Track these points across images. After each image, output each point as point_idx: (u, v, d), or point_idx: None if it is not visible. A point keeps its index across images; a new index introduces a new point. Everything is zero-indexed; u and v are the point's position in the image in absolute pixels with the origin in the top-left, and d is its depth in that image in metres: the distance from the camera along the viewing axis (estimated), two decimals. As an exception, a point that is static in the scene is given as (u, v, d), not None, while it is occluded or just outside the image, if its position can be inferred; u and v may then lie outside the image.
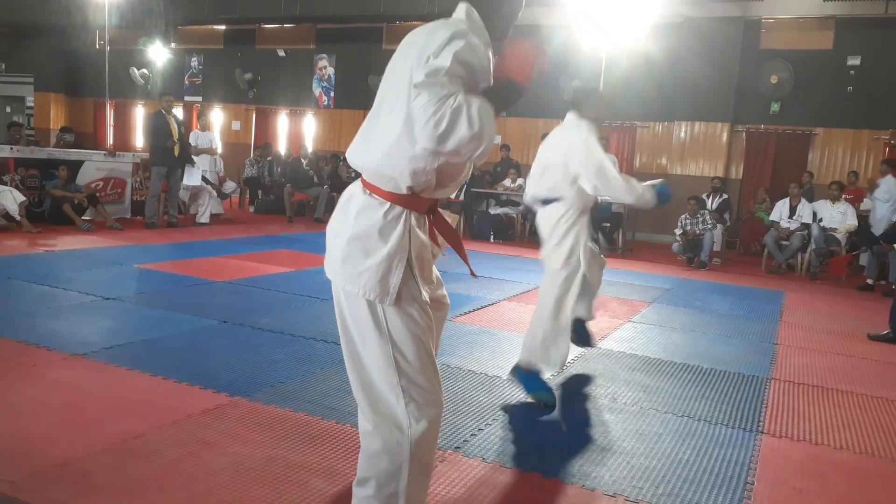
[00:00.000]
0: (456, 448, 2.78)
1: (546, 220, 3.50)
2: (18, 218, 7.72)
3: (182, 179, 9.38)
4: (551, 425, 3.12)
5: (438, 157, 1.72)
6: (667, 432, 3.13)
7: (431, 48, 1.67)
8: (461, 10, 1.84)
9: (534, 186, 3.59)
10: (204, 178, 10.56)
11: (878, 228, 8.76)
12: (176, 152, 9.01)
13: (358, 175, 1.88)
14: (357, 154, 1.86)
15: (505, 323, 5.03)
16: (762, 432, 3.22)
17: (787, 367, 4.42)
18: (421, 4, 12.28)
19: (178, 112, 16.00)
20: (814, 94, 10.99)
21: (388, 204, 1.79)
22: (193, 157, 10.63)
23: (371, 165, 1.80)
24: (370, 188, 1.82)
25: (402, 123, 1.69)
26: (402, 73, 1.70)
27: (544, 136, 3.90)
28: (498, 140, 12.94)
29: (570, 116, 3.54)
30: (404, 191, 1.78)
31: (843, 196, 9.06)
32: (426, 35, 1.73)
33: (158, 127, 8.95)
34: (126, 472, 2.42)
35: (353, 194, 1.87)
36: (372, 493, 1.85)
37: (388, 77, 1.79)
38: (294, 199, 11.27)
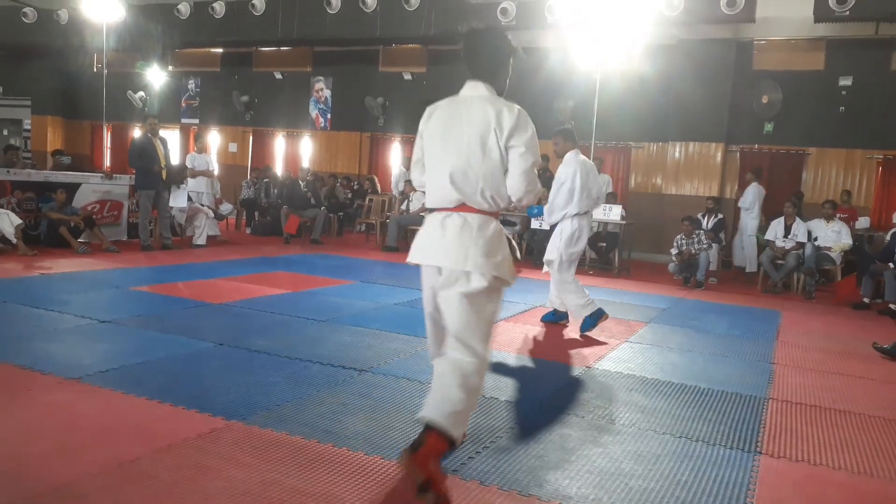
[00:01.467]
0: (454, 471, 2.77)
1: None
2: (14, 241, 7.71)
3: (169, 202, 9.37)
4: (549, 447, 3.10)
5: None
6: (665, 453, 3.12)
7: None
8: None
9: None
10: (198, 200, 10.59)
11: (744, 238, 9.22)
12: (163, 175, 9.02)
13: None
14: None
15: (502, 344, 5.02)
16: (760, 453, 3.21)
17: (784, 386, 4.42)
18: (416, 27, 12.41)
19: (174, 134, 16.15)
20: (806, 114, 11.10)
21: (494, 219, 2.71)
22: (190, 178, 10.68)
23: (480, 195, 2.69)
24: (477, 211, 2.66)
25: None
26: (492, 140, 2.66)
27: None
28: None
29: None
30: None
31: (837, 215, 9.15)
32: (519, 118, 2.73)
33: (144, 150, 8.91)
34: (121, 496, 2.40)
35: (463, 217, 2.64)
36: (465, 397, 2.56)
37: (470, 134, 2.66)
38: (289, 220, 11.28)
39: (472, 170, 2.62)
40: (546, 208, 5.63)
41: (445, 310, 2.65)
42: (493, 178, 2.64)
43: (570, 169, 5.45)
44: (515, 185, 2.65)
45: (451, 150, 2.66)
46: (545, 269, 5.75)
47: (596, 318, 5.50)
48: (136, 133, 16.90)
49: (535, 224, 9.45)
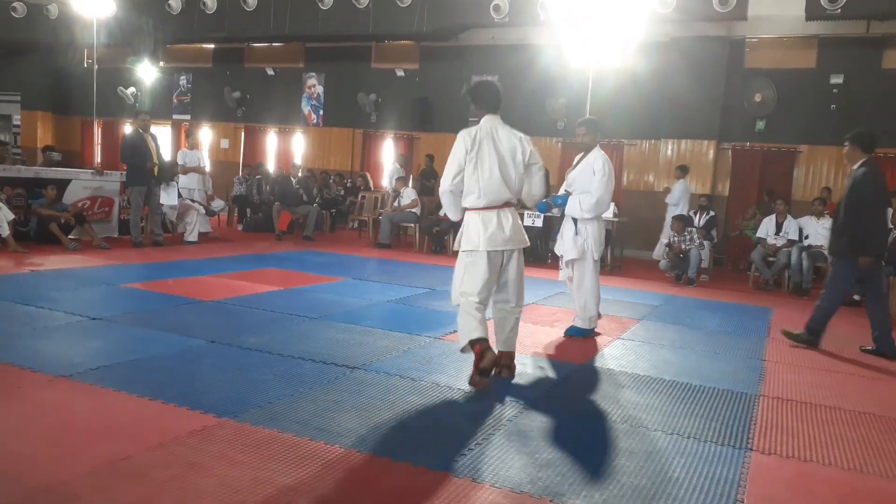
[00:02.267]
0: (446, 468, 2.77)
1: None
2: (4, 235, 7.65)
3: (160, 198, 9.33)
4: (541, 445, 3.11)
5: None
6: (657, 450, 3.13)
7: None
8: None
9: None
10: (189, 197, 10.54)
11: (666, 233, 9.44)
12: (155, 172, 8.97)
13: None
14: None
15: (494, 340, 5.01)
16: (751, 449, 3.23)
17: (775, 383, 4.44)
18: (409, 24, 12.37)
19: (166, 130, 16.07)
20: (798, 111, 11.13)
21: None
22: (182, 175, 10.62)
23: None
24: (513, 206, 4.05)
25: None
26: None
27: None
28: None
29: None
30: None
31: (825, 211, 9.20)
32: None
33: (136, 146, 8.85)
34: (113, 494, 2.39)
35: (509, 211, 4.00)
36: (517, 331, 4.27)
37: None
38: (281, 217, 11.24)
39: (511, 178, 3.95)
40: (592, 203, 5.10)
41: (512, 275, 4.03)
42: (520, 183, 4.04)
43: (604, 161, 5.14)
44: (538, 189, 4.16)
45: (498, 165, 3.90)
46: (563, 275, 5.53)
47: (587, 334, 5.38)
48: (128, 129, 16.89)
49: (528, 221, 9.44)
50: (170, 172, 9.66)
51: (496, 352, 3.93)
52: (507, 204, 3.95)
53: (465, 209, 4.01)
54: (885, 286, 6.17)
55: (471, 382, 3.84)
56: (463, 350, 3.93)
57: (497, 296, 4.09)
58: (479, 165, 3.88)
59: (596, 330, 5.49)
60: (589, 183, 5.15)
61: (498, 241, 3.89)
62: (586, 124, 5.37)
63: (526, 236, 4.05)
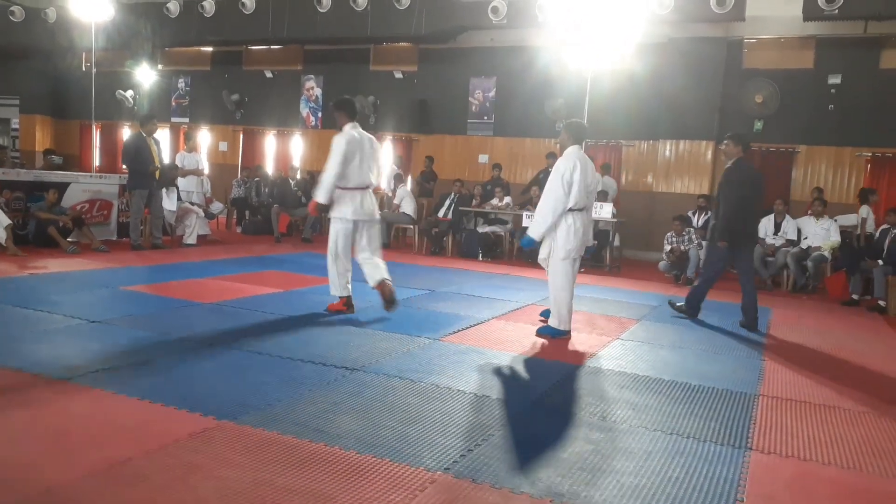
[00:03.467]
0: (445, 469, 2.77)
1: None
2: (3, 241, 7.65)
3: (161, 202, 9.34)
4: (541, 445, 3.11)
5: None
6: (656, 450, 3.14)
7: None
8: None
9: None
10: (188, 200, 10.55)
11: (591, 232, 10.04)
12: (157, 176, 8.98)
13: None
14: None
15: (494, 342, 5.03)
16: (751, 449, 3.23)
17: (774, 382, 4.44)
18: (407, 26, 12.39)
19: (165, 133, 16.06)
20: (796, 112, 11.16)
21: None
22: (180, 178, 10.63)
23: None
24: None
25: None
26: None
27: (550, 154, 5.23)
28: (486, 160, 13.04)
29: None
30: None
31: (809, 211, 9.24)
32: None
33: (139, 150, 8.86)
34: (112, 497, 2.39)
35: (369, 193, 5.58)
36: None
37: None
38: (280, 219, 11.25)
39: (371, 168, 5.62)
40: (537, 219, 5.28)
41: (369, 238, 5.64)
42: (377, 172, 5.71)
43: (565, 162, 5.24)
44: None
45: (365, 159, 5.51)
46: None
47: (560, 335, 5.30)
48: (128, 132, 16.92)
49: (525, 222, 9.45)
50: (170, 176, 9.67)
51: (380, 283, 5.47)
52: (367, 187, 5.53)
53: (338, 188, 5.43)
54: (753, 263, 7.23)
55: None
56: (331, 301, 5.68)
57: (362, 254, 5.59)
58: (355, 159, 5.38)
59: (570, 332, 5.35)
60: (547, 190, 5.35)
61: (360, 214, 5.49)
62: (563, 126, 5.54)
63: (377, 212, 5.73)
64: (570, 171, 5.18)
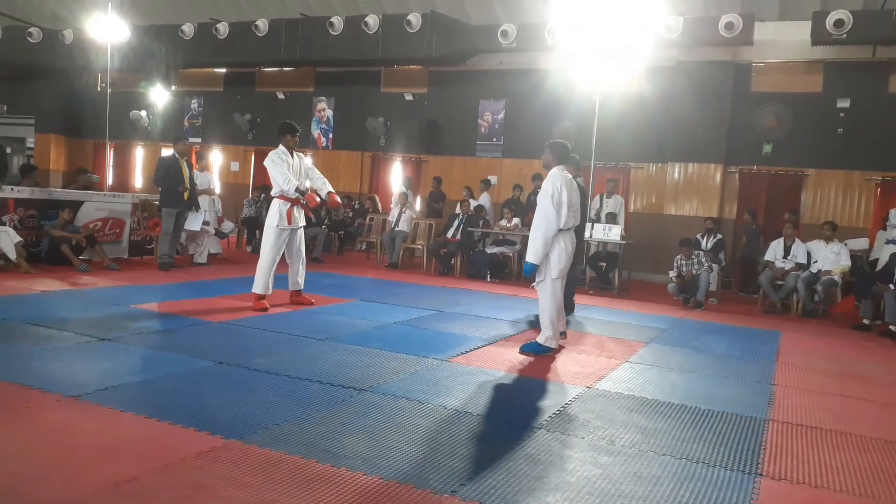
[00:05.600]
0: (452, 492, 2.76)
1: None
2: (14, 258, 7.72)
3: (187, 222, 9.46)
4: (549, 468, 3.09)
5: None
6: (665, 475, 3.11)
7: None
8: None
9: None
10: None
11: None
12: (185, 197, 9.11)
13: None
14: None
15: (502, 364, 5.02)
16: (761, 475, 3.20)
17: (784, 407, 4.40)
18: (418, 49, 12.51)
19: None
20: (805, 135, 11.15)
21: None
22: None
23: None
24: None
25: None
26: None
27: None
28: (495, 181, 13.08)
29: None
30: None
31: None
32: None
33: (170, 170, 9.05)
34: (119, 516, 2.39)
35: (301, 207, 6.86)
36: None
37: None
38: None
39: (302, 181, 6.82)
40: (532, 242, 5.33)
41: (297, 245, 6.87)
42: (308, 184, 6.87)
43: (552, 182, 5.33)
44: (320, 183, 7.00)
45: (298, 174, 6.83)
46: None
47: (546, 352, 5.37)
48: (141, 151, 17.10)
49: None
50: (196, 198, 9.81)
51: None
52: (298, 200, 6.65)
53: (274, 198, 6.66)
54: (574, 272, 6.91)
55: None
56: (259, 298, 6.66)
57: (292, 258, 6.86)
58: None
59: (554, 350, 5.44)
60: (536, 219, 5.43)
61: (293, 223, 6.67)
62: (547, 146, 5.59)
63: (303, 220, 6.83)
64: (557, 191, 5.30)
